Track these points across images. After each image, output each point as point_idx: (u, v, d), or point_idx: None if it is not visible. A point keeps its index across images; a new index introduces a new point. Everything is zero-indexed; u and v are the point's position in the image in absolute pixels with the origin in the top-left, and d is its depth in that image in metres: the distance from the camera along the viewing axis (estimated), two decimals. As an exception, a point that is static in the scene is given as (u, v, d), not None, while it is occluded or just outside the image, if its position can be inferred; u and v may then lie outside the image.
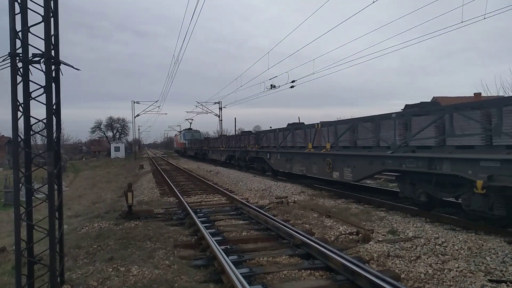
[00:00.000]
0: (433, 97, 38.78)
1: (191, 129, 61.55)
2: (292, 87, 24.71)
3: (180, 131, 66.42)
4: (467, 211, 7.58)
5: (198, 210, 10.35)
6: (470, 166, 7.08)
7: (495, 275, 4.96)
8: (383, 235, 7.24)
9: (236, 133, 44.51)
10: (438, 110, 8.45)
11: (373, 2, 13.00)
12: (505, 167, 6.48)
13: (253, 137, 22.99)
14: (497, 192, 6.78)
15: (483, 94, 31.60)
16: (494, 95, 28.57)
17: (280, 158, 17.31)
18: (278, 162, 17.56)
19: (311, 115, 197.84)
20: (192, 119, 62.57)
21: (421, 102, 9.86)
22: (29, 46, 4.27)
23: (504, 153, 6.62)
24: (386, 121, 9.82)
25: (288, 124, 18.12)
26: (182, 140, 60.63)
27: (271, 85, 28.33)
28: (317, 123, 13.75)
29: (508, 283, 4.67)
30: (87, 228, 8.70)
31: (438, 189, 8.34)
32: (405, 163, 8.82)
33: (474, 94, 33.47)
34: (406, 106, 9.98)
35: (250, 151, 22.74)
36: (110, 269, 5.49)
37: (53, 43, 4.48)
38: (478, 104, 7.94)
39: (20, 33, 4.20)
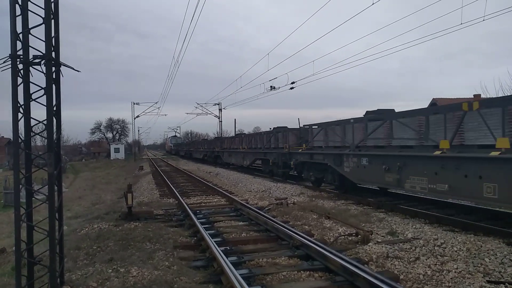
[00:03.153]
0: (433, 98, 38.81)
1: (176, 136, 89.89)
2: (292, 88, 24.70)
3: (169, 137, 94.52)
4: None
5: (197, 211, 10.36)
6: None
7: (493, 276, 4.98)
8: (382, 236, 7.26)
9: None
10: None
11: (373, 3, 13.04)
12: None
13: (197, 142, 45.13)
14: None
15: (483, 96, 31.61)
16: (493, 96, 28.56)
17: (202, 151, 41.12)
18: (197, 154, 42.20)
19: (311, 116, 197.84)
20: (178, 127, 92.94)
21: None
22: (30, 47, 4.28)
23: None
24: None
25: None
26: (169, 144, 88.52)
27: (271, 86, 28.34)
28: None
29: (507, 284, 4.69)
30: (87, 229, 8.71)
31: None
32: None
33: (474, 95, 33.48)
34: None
35: (191, 150, 48.97)
36: (110, 270, 5.51)
37: (53, 44, 4.49)
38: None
39: (21, 35, 4.22)
